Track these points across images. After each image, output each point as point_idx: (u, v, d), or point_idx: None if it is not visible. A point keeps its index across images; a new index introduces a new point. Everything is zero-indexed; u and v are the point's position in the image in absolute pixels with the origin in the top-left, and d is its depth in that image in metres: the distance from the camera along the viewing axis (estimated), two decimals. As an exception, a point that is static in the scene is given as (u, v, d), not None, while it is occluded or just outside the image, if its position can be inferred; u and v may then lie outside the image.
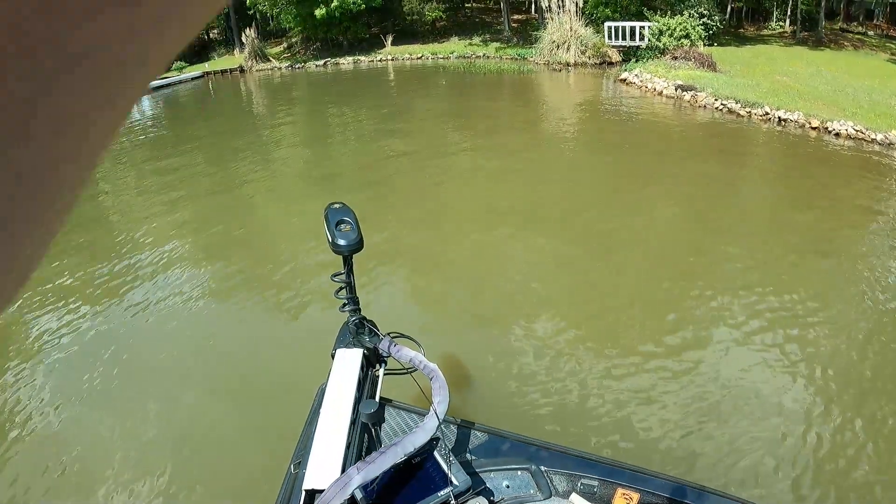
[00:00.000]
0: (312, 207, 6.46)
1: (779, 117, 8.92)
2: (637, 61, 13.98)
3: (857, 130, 8.08)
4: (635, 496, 1.64)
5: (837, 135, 8.18)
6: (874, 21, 16.84)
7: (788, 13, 17.18)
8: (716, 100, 9.93)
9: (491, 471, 1.74)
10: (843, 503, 2.58)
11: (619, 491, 1.65)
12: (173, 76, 19.35)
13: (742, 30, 17.88)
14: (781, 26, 17.71)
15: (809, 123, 8.57)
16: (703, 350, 3.63)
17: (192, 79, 19.74)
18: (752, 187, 6.79)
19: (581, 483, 1.71)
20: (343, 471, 1.42)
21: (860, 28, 16.70)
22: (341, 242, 1.59)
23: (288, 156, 9.73)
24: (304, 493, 1.40)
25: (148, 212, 7.30)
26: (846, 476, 2.71)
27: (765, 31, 17.76)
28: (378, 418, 1.58)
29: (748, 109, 9.34)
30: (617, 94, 12.11)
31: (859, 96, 9.79)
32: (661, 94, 11.28)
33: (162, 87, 18.79)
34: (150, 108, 16.79)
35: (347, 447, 1.52)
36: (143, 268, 5.66)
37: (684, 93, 10.70)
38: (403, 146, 9.08)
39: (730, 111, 9.61)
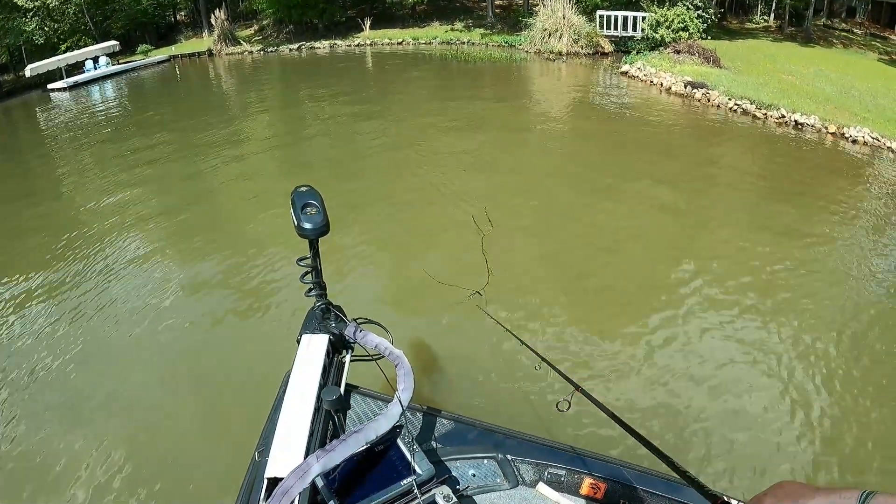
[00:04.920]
0: (279, 196, 6.63)
1: (795, 121, 8.78)
2: (637, 53, 13.74)
3: (873, 138, 8.05)
4: (602, 485, 1.65)
5: (854, 141, 8.08)
6: (856, 18, 17.23)
7: (774, 7, 17.34)
8: (729, 99, 9.75)
9: (456, 459, 1.74)
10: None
11: (587, 480, 1.66)
12: (138, 60, 17.91)
13: (726, 22, 17.94)
14: (766, 20, 17.87)
15: (826, 128, 8.45)
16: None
17: (158, 63, 18.38)
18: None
19: (548, 472, 1.71)
20: (305, 458, 1.38)
21: (843, 25, 17.05)
22: (307, 226, 1.57)
23: (257, 147, 9.40)
24: (266, 480, 1.38)
25: (108, 197, 7.25)
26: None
27: (749, 25, 17.87)
28: (342, 405, 1.58)
29: (764, 111, 9.20)
30: (621, 88, 11.80)
31: (865, 99, 9.82)
32: (668, 90, 11.04)
33: (126, 71, 17.37)
34: (114, 93, 15.49)
35: (311, 435, 1.49)
36: (103, 253, 5.67)
37: (695, 90, 10.50)
38: (382, 147, 8.57)
39: (745, 112, 9.45)
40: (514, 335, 1.95)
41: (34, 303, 4.82)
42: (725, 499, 0.95)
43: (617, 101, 10.92)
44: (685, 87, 10.78)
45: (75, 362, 4.02)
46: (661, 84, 11.33)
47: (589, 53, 15.52)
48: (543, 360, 1.77)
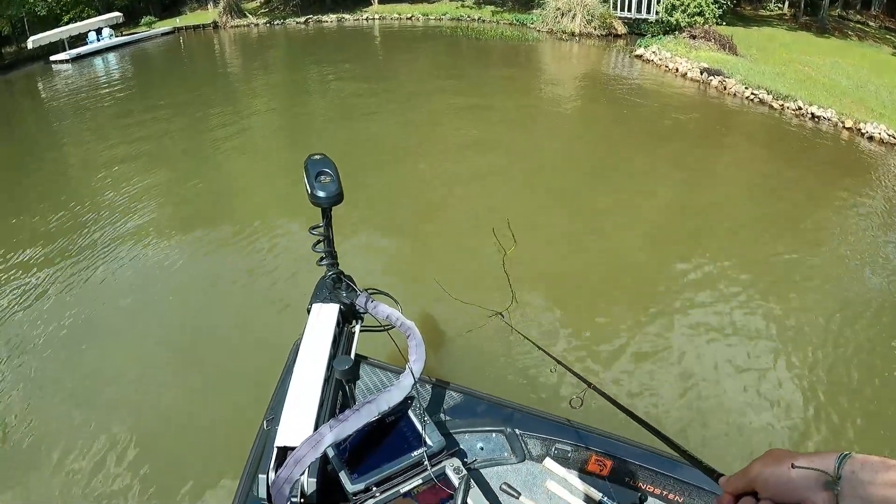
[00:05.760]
0: (283, 168, 6.91)
1: (812, 113, 8.74)
2: (652, 37, 13.59)
3: (889, 135, 8.03)
4: (609, 463, 1.66)
5: (871, 138, 8.02)
6: (871, 10, 17.01)
7: (788, -6, 17.12)
8: (746, 88, 9.70)
9: (465, 432, 1.74)
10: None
11: (594, 457, 1.67)
12: (142, 32, 17.55)
13: (740, 9, 17.71)
14: (780, 8, 17.64)
15: (843, 123, 8.41)
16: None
17: (162, 34, 18.01)
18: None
19: (555, 448, 1.72)
20: (316, 428, 1.39)
21: (858, 16, 16.84)
22: (320, 194, 1.55)
23: (261, 120, 9.35)
24: (276, 449, 1.38)
25: (111, 166, 7.20)
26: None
27: (763, 12, 17.65)
28: (353, 375, 1.57)
29: (781, 102, 9.16)
30: (636, 72, 11.71)
31: (881, 94, 9.74)
32: (684, 75, 10.95)
33: (129, 43, 17.06)
34: (117, 65, 15.25)
35: (321, 404, 1.49)
36: (110, 222, 5.66)
37: (711, 77, 10.43)
38: (393, 133, 8.43)
39: (761, 102, 9.42)
40: (528, 339, 1.94)
41: (37, 271, 4.83)
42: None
43: (631, 86, 10.85)
44: (701, 74, 10.71)
45: (80, 331, 4.02)
46: (677, 69, 11.24)
47: (602, 35, 15.33)
48: (558, 361, 1.74)
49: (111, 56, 15.95)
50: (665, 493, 1.61)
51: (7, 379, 3.60)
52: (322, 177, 1.56)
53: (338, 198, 1.57)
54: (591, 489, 1.63)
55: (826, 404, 3.24)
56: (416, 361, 1.49)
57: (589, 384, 1.50)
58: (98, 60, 15.55)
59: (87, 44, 16.23)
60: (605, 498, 1.59)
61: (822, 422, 3.13)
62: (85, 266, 4.84)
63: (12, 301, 4.41)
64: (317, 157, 1.61)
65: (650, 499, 1.62)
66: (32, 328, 4.06)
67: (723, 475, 0.75)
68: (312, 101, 10.68)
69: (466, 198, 5.91)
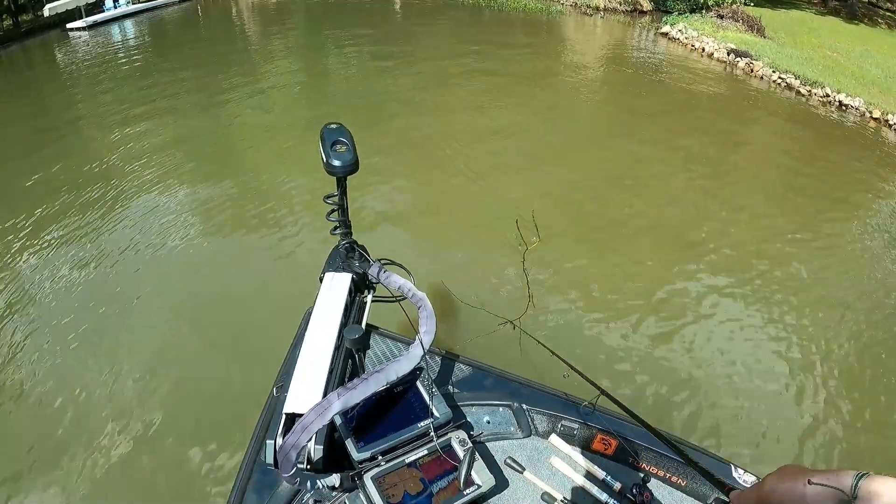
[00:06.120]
0: (299, 137, 6.81)
1: (840, 101, 8.60)
2: (678, 14, 13.35)
3: (917, 129, 8.00)
4: (613, 442, 1.66)
5: None
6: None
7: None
8: (774, 72, 9.57)
9: (472, 405, 1.74)
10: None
11: (599, 436, 1.67)
12: (159, -3, 17.35)
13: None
14: (810, -10, 17.21)
15: (870, 113, 8.24)
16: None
17: (180, 2, 17.80)
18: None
19: (561, 424, 1.71)
20: (324, 396, 1.38)
21: (889, 4, 16.39)
22: (336, 163, 1.53)
23: (281, 85, 9.26)
24: (284, 416, 1.38)
25: (130, 138, 7.12)
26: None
27: (792, -7, 17.24)
28: (363, 344, 1.58)
29: (808, 88, 9.05)
30: (661, 50, 11.56)
31: (912, 87, 9.68)
32: (711, 56, 10.81)
33: (146, 10, 16.91)
34: (134, 32, 15.18)
35: (330, 372, 1.49)
36: (127, 189, 5.65)
37: (738, 58, 10.28)
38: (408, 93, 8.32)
39: (788, 87, 9.31)
40: (543, 345, 1.90)
41: (55, 233, 4.88)
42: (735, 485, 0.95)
43: (656, 64, 10.70)
44: (728, 55, 10.56)
45: (91, 292, 4.08)
46: (703, 49, 11.08)
47: (627, 11, 15.07)
48: (571, 367, 1.71)
49: (128, 23, 15.85)
50: (668, 475, 1.62)
51: (27, 336, 3.70)
52: (338, 146, 1.55)
53: (353, 167, 1.55)
54: (595, 467, 1.63)
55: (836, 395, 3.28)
56: (427, 333, 1.48)
57: (601, 390, 1.52)
58: (115, 28, 15.47)
59: (103, 11, 16.11)
60: (609, 477, 1.60)
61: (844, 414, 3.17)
62: (100, 225, 4.92)
63: (32, 257, 4.52)
64: (333, 125, 1.59)
65: (653, 480, 1.63)
66: (47, 285, 4.16)
67: (734, 489, 0.75)
68: (329, 67, 10.61)
69: (483, 189, 5.77)
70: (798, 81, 9.26)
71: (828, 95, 8.85)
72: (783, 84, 9.41)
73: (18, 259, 4.60)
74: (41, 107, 9.10)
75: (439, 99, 8.19)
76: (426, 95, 8.31)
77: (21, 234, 4.93)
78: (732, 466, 1.56)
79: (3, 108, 9.24)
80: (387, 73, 9.16)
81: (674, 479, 1.61)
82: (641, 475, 1.63)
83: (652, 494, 1.56)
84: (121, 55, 12.63)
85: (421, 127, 6.90)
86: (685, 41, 11.69)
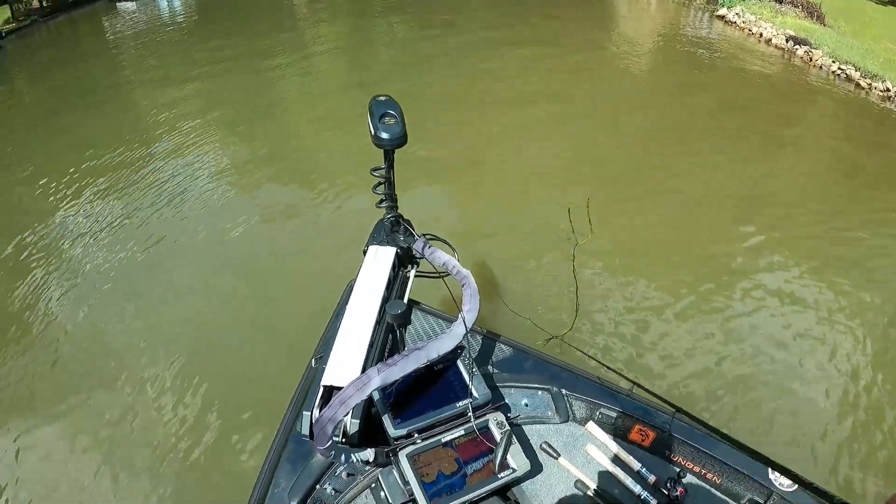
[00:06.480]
0: (349, 104, 6.84)
1: None
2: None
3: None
4: (651, 434, 1.63)
5: None
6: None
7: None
8: (833, 62, 9.40)
9: (511, 387, 1.72)
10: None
11: (637, 426, 1.64)
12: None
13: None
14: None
15: None
16: None
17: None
18: None
19: (600, 412, 1.69)
20: (363, 370, 1.38)
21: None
22: (384, 136, 1.49)
23: (325, 52, 9.36)
24: (322, 388, 1.37)
25: (174, 103, 7.24)
26: None
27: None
28: (405, 320, 1.55)
29: (868, 81, 8.90)
30: (716, 33, 11.36)
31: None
32: (768, 41, 10.60)
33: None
34: (181, 9, 15.18)
35: (370, 346, 1.46)
36: (168, 156, 5.75)
37: (797, 46, 10.09)
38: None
39: (848, 78, 9.13)
40: (604, 364, 1.88)
41: (103, 200, 4.98)
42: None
43: (711, 47, 10.49)
44: (787, 42, 10.33)
45: (139, 256, 4.15)
46: (761, 35, 10.84)
47: (681, -10, 14.70)
48: (637, 384, 1.71)
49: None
50: (704, 471, 1.59)
51: (78, 298, 3.80)
52: (386, 118, 1.51)
53: (401, 140, 1.52)
54: (631, 458, 1.61)
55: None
56: (470, 311, 1.45)
57: (676, 409, 1.47)
58: (163, 1, 15.42)
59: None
60: (644, 469, 1.58)
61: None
62: (140, 185, 5.04)
63: (84, 223, 4.63)
64: (382, 98, 1.56)
65: (688, 475, 1.60)
66: (97, 253, 4.25)
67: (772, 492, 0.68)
68: (376, 39, 10.52)
69: (532, 172, 5.67)
70: (858, 74, 9.09)
71: (888, 90, 8.69)
72: (843, 76, 9.24)
73: (61, 213, 4.73)
74: (87, 73, 9.18)
75: (487, 67, 8.11)
76: (474, 63, 8.24)
77: (64, 191, 5.05)
78: (769, 469, 1.52)
79: (53, 76, 9.28)
80: (431, 41, 9.11)
81: (709, 475, 1.58)
82: (677, 469, 1.59)
83: (686, 490, 1.53)
84: (168, 27, 12.67)
85: (467, 96, 6.87)
86: (742, 25, 11.43)
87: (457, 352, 1.53)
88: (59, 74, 9.32)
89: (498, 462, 1.39)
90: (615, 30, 10.97)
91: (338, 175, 5.12)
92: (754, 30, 11.04)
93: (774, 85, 9.01)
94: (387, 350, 1.59)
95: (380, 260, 1.69)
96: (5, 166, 5.70)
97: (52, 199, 5.02)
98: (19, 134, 6.52)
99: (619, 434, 1.67)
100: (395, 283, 1.73)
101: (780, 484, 1.50)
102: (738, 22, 11.50)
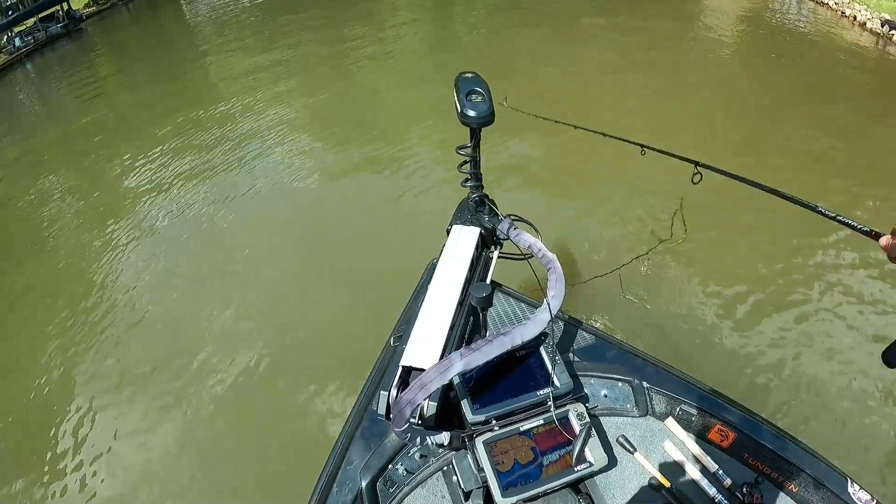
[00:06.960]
0: (430, 85, 6.82)
1: None
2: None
3: None
4: (731, 435, 1.55)
5: None
6: None
7: None
8: (938, 49, 8.83)
9: (591, 377, 1.66)
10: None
11: (717, 426, 1.56)
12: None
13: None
14: None
15: None
16: None
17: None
18: None
19: (680, 408, 1.62)
20: (444, 352, 1.37)
21: None
22: (471, 113, 1.47)
23: (405, 35, 9.33)
24: (401, 368, 1.36)
25: (254, 84, 7.33)
26: None
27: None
28: (488, 303, 1.51)
29: (976, 70, 8.35)
30: (806, 14, 10.75)
31: None
32: (862, 25, 9.96)
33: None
34: None
35: (451, 328, 1.43)
36: (249, 133, 5.85)
37: (893, 31, 9.49)
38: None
39: (954, 67, 8.59)
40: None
41: (181, 167, 5.22)
42: None
43: (799, 30, 9.98)
44: (882, 27, 9.68)
45: (218, 232, 4.28)
46: (854, 18, 10.14)
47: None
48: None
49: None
50: (782, 479, 1.50)
51: (157, 264, 4.01)
52: (473, 95, 1.48)
53: (488, 118, 1.49)
54: (708, 459, 1.55)
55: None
56: (555, 297, 1.41)
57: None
58: None
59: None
60: (720, 471, 1.52)
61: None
62: (223, 161, 5.23)
63: (171, 195, 4.87)
64: (468, 75, 1.53)
65: (765, 482, 1.52)
66: (172, 227, 4.43)
67: None
68: (457, 26, 10.47)
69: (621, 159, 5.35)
70: (966, 62, 8.46)
71: None
72: (948, 64, 8.63)
73: (146, 186, 5.00)
74: (171, 57, 9.44)
75: (572, 53, 8.01)
76: (558, 48, 8.14)
77: (148, 165, 5.35)
78: (849, 481, 1.45)
79: (134, 56, 9.70)
80: (515, 27, 8.98)
81: (787, 484, 1.49)
82: (755, 475, 1.53)
83: (762, 497, 1.46)
84: (246, 7, 12.78)
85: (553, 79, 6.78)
86: (834, 6, 10.71)
87: (540, 338, 1.50)
88: (155, 51, 9.80)
89: (575, 455, 1.37)
90: (699, 14, 10.49)
91: (422, 152, 5.07)
92: (847, 12, 10.32)
93: (867, 74, 8.46)
94: (467, 332, 1.56)
95: (463, 240, 1.67)
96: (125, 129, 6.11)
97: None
98: (121, 99, 6.95)
99: (699, 432, 1.60)
100: (478, 265, 1.70)
101: (858, 499, 1.42)
102: (830, 3, 10.80)
